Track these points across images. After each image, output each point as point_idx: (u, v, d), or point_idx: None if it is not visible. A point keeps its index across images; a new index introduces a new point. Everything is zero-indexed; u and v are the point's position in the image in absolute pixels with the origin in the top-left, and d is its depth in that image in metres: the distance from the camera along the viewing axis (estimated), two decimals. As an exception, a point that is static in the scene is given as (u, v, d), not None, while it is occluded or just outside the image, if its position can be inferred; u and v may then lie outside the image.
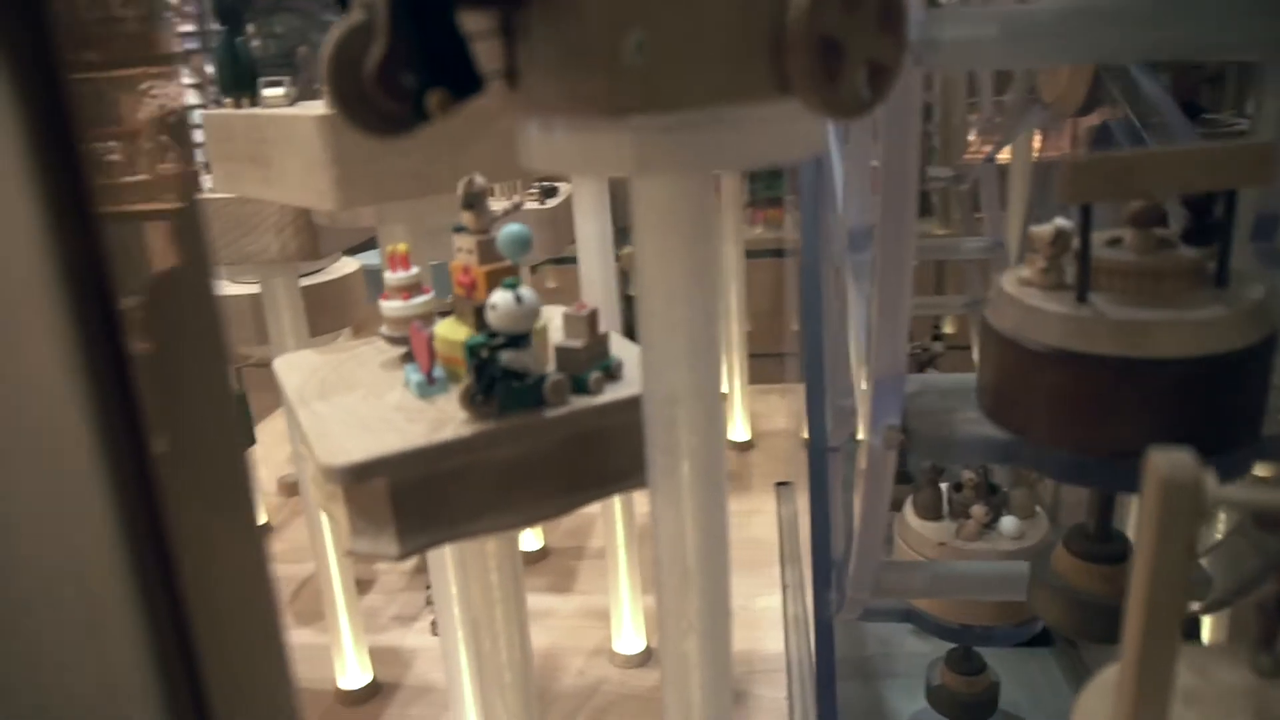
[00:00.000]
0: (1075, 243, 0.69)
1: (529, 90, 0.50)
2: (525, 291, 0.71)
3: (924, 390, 0.85)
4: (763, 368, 2.72)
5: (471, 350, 0.71)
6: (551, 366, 0.75)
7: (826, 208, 1.28)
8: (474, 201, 0.76)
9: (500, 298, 0.70)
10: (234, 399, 0.39)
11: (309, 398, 0.78)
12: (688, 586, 0.68)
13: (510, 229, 0.76)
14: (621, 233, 1.46)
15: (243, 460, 0.37)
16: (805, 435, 2.30)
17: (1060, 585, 0.76)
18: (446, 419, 0.71)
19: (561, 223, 1.65)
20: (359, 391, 0.78)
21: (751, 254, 2.73)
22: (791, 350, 2.64)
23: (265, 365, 1.79)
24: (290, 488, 2.35)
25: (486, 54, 0.50)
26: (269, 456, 2.49)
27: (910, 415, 0.83)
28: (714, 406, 0.64)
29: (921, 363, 1.81)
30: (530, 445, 0.72)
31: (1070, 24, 0.73)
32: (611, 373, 0.76)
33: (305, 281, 1.49)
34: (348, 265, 1.67)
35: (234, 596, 0.37)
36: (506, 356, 0.71)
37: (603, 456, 0.76)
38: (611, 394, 0.74)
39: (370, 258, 2.28)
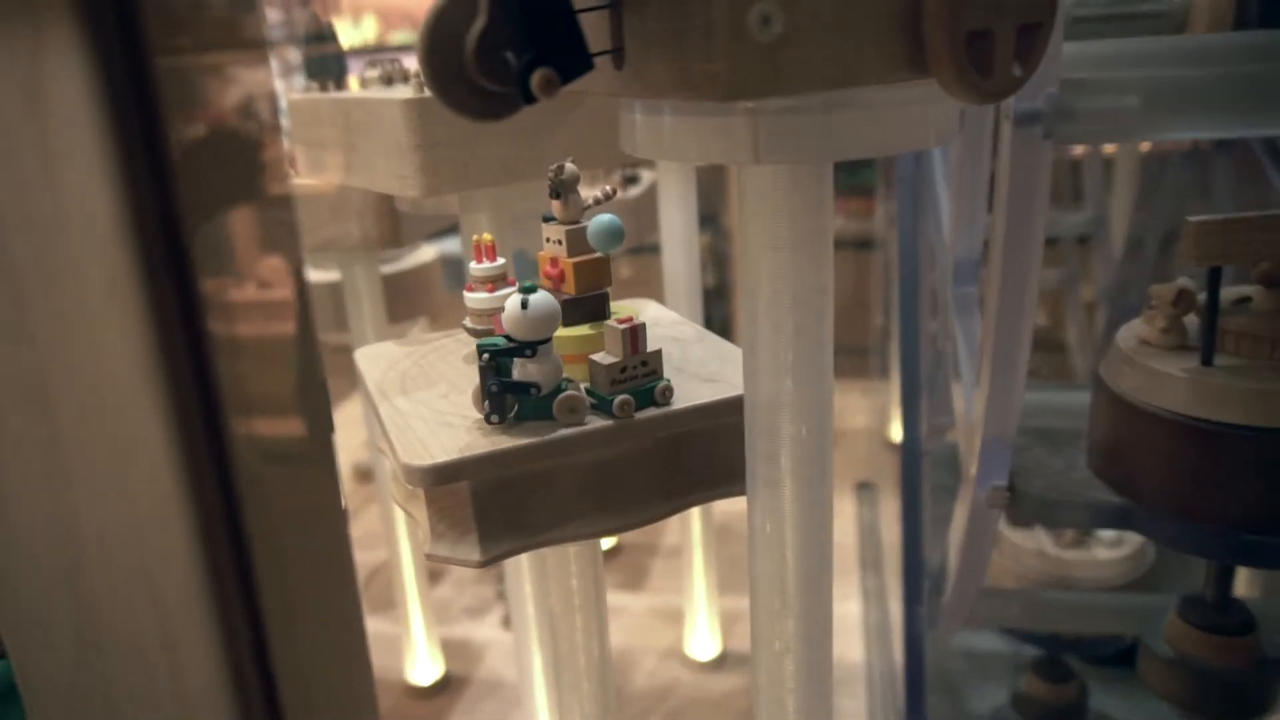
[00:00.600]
0: (1200, 300, 0.66)
1: (637, 70, 0.46)
2: (538, 298, 0.65)
3: (1032, 445, 0.82)
4: (842, 362, 2.64)
5: (479, 352, 0.66)
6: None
7: (927, 205, 1.22)
8: (564, 189, 0.73)
9: (510, 302, 0.66)
10: (325, 386, 0.36)
11: (390, 392, 0.76)
12: (786, 607, 0.64)
13: (602, 219, 0.72)
14: (704, 221, 1.43)
15: (331, 447, 0.35)
16: (892, 437, 2.25)
17: (1175, 657, 0.72)
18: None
19: (644, 212, 1.62)
20: (441, 387, 0.76)
21: (836, 245, 2.66)
22: (874, 345, 2.58)
23: (342, 351, 1.80)
24: (364, 474, 2.37)
25: (593, 31, 0.46)
26: (344, 442, 2.52)
27: (1018, 473, 0.81)
28: (823, 415, 0.60)
29: None
30: (622, 448, 0.69)
31: (1225, 94, 0.67)
32: (655, 399, 0.67)
33: (385, 269, 1.48)
34: (426, 253, 1.66)
35: (316, 587, 0.35)
36: (515, 366, 0.66)
37: (700, 461, 0.73)
38: (709, 395, 0.70)
39: (449, 245, 2.28)
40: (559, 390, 0.67)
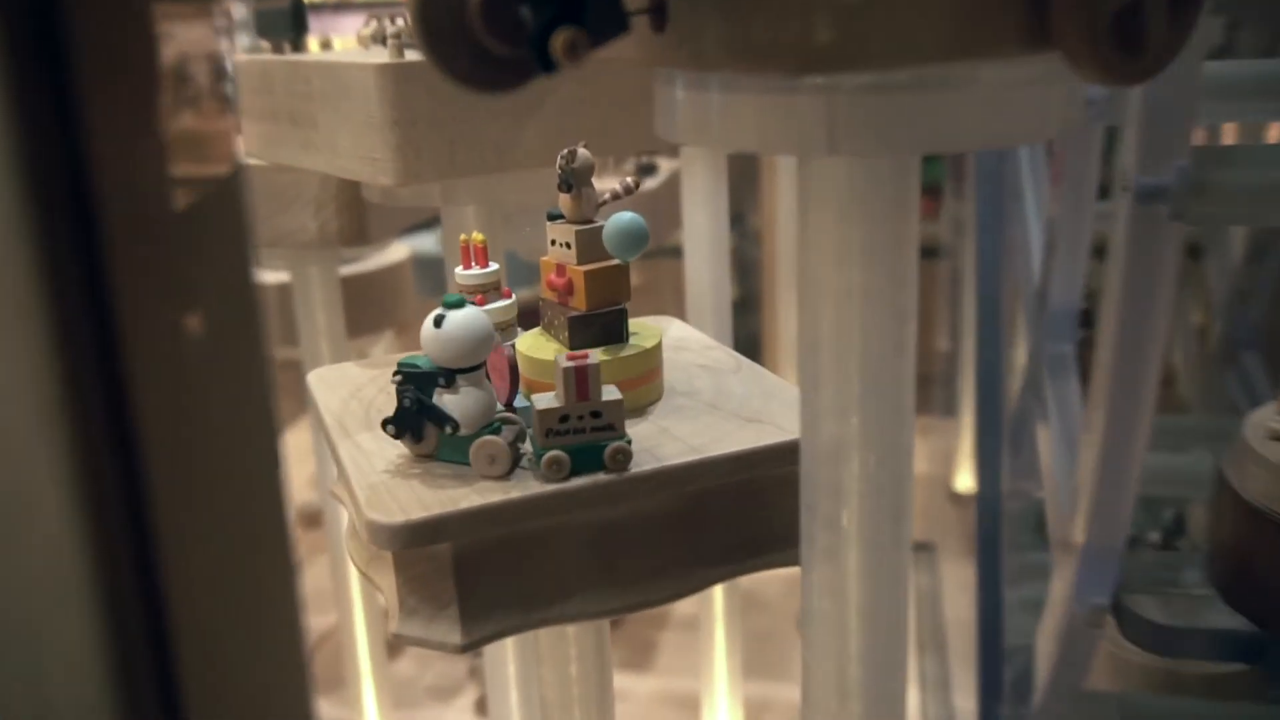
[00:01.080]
0: None
1: (682, 34, 0.44)
2: (459, 316, 0.64)
3: (1140, 552, 0.82)
4: (896, 395, 2.61)
5: (396, 371, 0.65)
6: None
7: (1010, 212, 1.21)
8: (577, 181, 0.71)
9: (428, 319, 0.64)
10: (274, 411, 0.35)
11: (352, 427, 0.74)
12: (846, 711, 0.62)
13: (621, 219, 0.71)
14: (733, 220, 1.41)
15: (280, 481, 0.34)
16: (957, 486, 2.23)
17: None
18: (531, 465, 0.66)
19: (662, 208, 1.60)
20: (417, 422, 0.74)
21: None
22: (938, 375, 2.56)
23: (289, 367, 1.78)
24: (311, 518, 2.35)
25: (626, -17, 0.45)
26: (288, 477, 2.50)
27: (1124, 588, 0.80)
28: (900, 469, 0.58)
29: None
30: (640, 505, 0.67)
31: None
32: (605, 463, 0.63)
33: (345, 270, 1.47)
34: (395, 252, 1.65)
35: (256, 677, 0.34)
36: (435, 396, 0.65)
37: (738, 523, 0.70)
38: (751, 440, 0.68)
39: (422, 241, 2.27)
40: (487, 432, 0.65)
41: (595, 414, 0.64)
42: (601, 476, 0.64)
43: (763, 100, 0.45)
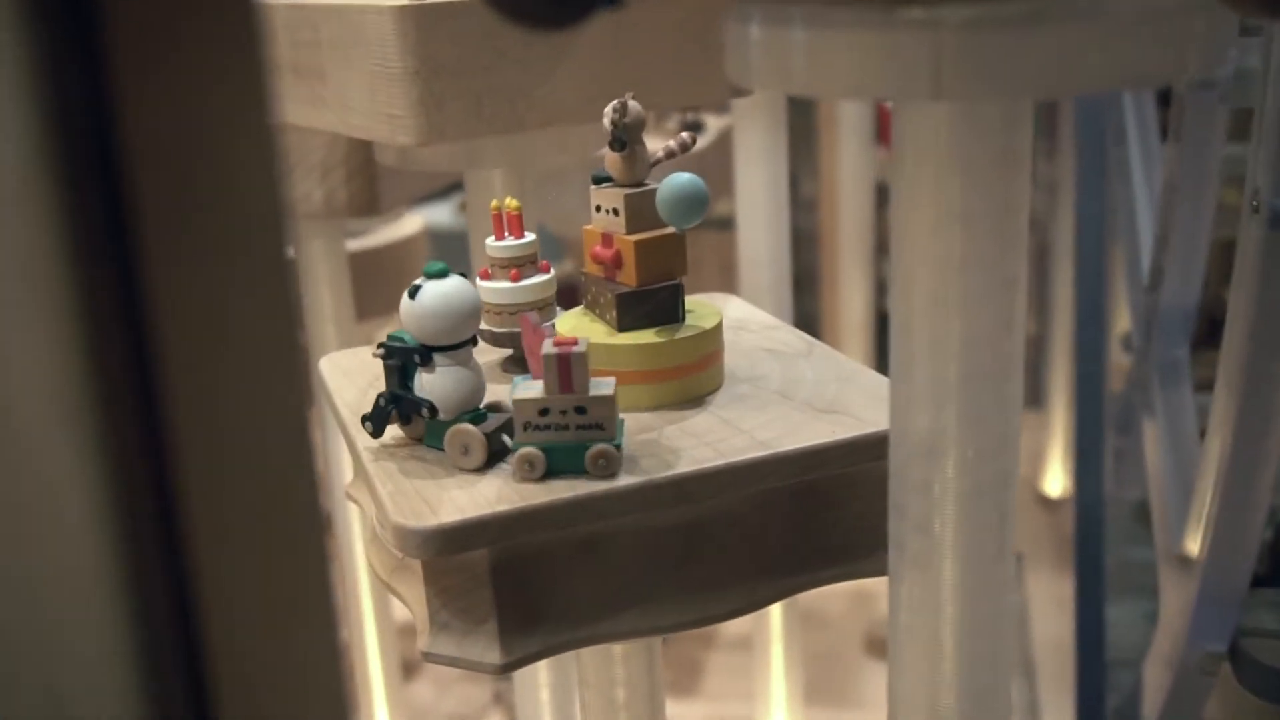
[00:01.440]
0: None
1: (761, -39, 0.44)
2: (437, 287, 0.65)
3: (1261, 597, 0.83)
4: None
5: (380, 344, 0.67)
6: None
7: (1115, 177, 1.19)
8: (630, 138, 0.71)
9: (405, 292, 0.66)
10: (307, 398, 0.35)
11: (372, 419, 0.74)
12: (941, 740, 0.61)
13: (678, 181, 0.70)
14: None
15: (313, 470, 0.34)
16: (1047, 489, 2.21)
17: None
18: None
19: (710, 171, 1.59)
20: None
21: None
22: (1024, 360, 2.54)
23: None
24: (312, 525, 2.37)
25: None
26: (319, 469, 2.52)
27: (1242, 633, 0.81)
28: (1005, 467, 0.57)
29: None
30: (700, 508, 0.67)
31: None
32: (586, 466, 0.63)
33: (352, 244, 1.47)
34: (408, 224, 1.65)
35: (291, 673, 0.34)
36: (418, 375, 0.66)
37: (814, 527, 0.70)
38: (827, 434, 0.67)
39: (437, 213, 2.28)
40: (468, 418, 0.66)
41: (580, 409, 0.64)
42: (658, 475, 0.64)
43: (855, 37, 0.44)
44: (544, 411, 0.64)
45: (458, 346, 0.66)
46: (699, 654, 1.98)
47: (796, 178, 2.83)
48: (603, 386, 0.64)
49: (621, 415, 0.70)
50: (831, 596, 2.02)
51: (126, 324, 0.28)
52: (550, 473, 0.63)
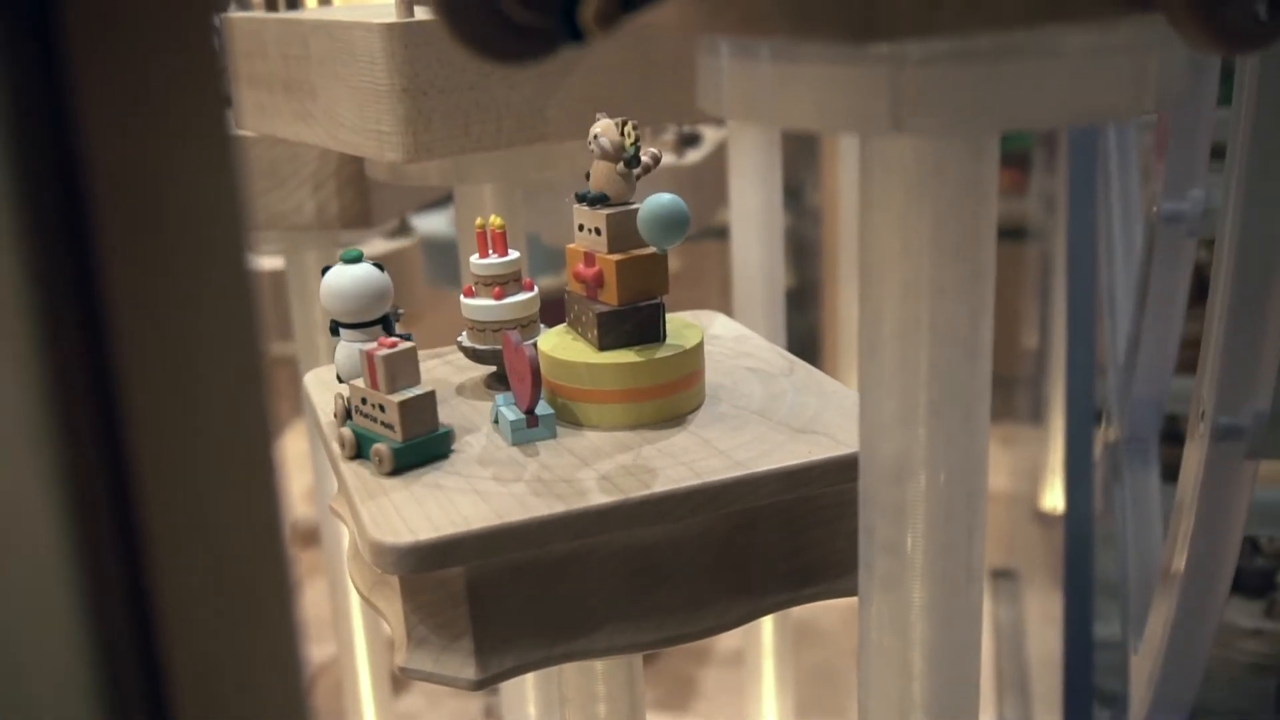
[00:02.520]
0: None
1: (727, -4, 0.45)
2: (349, 270, 0.74)
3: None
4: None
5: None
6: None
7: (1111, 185, 1.20)
8: (619, 158, 0.72)
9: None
10: (269, 420, 0.36)
11: (354, 435, 0.75)
12: (911, 761, 0.62)
13: (659, 201, 0.71)
14: (784, 197, 1.41)
15: (276, 488, 0.35)
16: (1046, 505, 2.21)
17: None
18: (555, 480, 0.67)
19: (706, 184, 1.61)
20: (426, 430, 0.75)
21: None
22: (1024, 377, 2.54)
23: (284, 364, 1.80)
24: (308, 536, 2.37)
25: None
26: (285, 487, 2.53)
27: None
28: (973, 489, 0.58)
29: None
30: (677, 526, 0.68)
31: None
32: (370, 457, 0.70)
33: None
34: (402, 235, 1.66)
35: (253, 689, 0.35)
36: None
37: (789, 547, 0.71)
38: (803, 454, 0.68)
39: (433, 223, 2.29)
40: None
41: (380, 407, 0.71)
42: (635, 495, 0.65)
43: (819, 71, 0.46)
44: (364, 400, 0.72)
45: (363, 325, 0.75)
46: (691, 669, 1.99)
47: (801, 188, 2.85)
48: (414, 391, 0.71)
49: (595, 430, 0.72)
50: (825, 611, 2.03)
51: (87, 340, 0.28)
52: (360, 454, 0.72)
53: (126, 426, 0.29)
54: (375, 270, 0.76)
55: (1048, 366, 2.27)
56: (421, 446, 0.70)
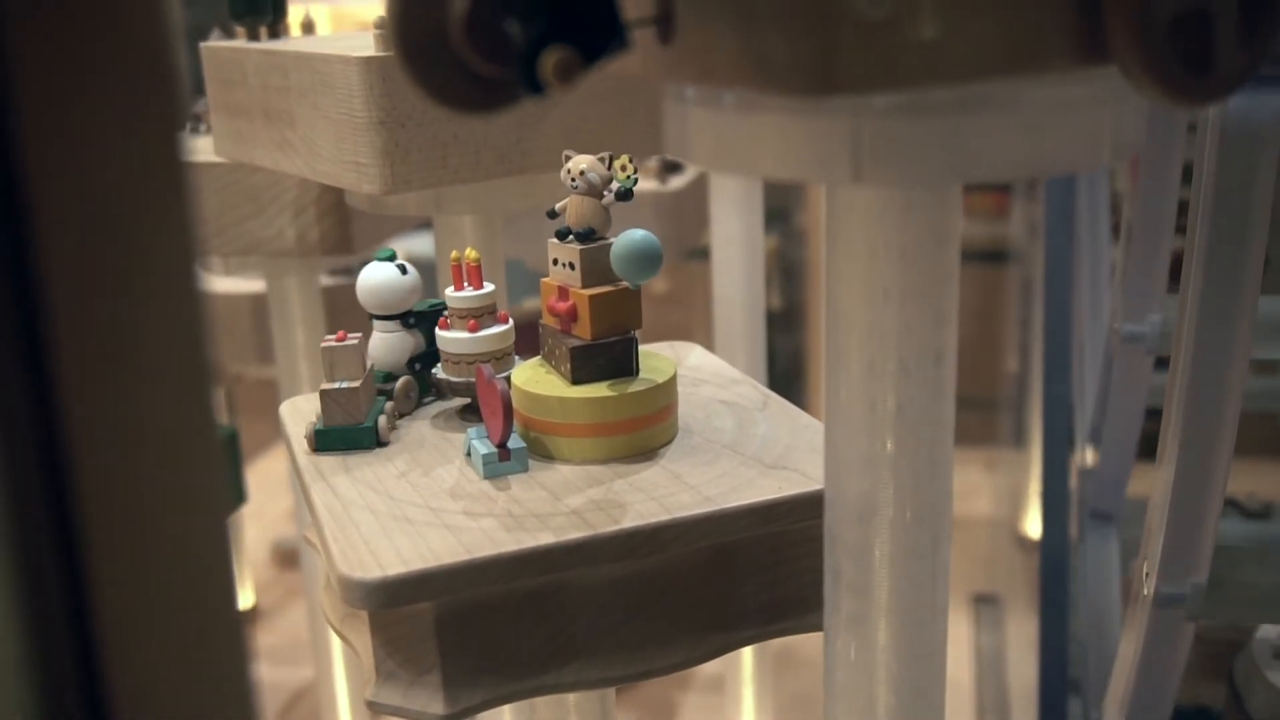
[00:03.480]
0: None
1: (691, 46, 0.46)
2: (372, 266, 0.83)
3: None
4: (961, 422, 2.59)
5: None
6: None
7: (1085, 211, 1.21)
8: (587, 192, 0.73)
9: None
10: (220, 447, 0.35)
11: (326, 468, 0.75)
12: (876, 799, 0.62)
13: (631, 238, 0.72)
14: (770, 219, 1.41)
15: (224, 535, 0.35)
16: (1028, 530, 2.22)
17: None
18: (526, 515, 0.67)
19: (688, 209, 1.61)
20: (398, 463, 0.75)
21: (952, 258, 2.63)
22: (1006, 400, 2.55)
23: (267, 386, 1.80)
24: (288, 557, 2.37)
25: (629, -10, 0.46)
26: (263, 510, 2.52)
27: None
28: (938, 529, 0.58)
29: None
30: (648, 561, 0.68)
31: None
32: (317, 440, 0.77)
33: (327, 280, 1.49)
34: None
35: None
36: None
37: (760, 582, 0.72)
38: (773, 490, 0.69)
39: (416, 244, 2.29)
40: (381, 375, 0.83)
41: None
42: (604, 530, 0.65)
43: (782, 121, 0.46)
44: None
45: (388, 318, 0.84)
46: (671, 694, 1.99)
47: (788, 208, 2.86)
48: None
49: (567, 464, 0.72)
50: (805, 638, 2.03)
51: (26, 360, 0.28)
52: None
53: (68, 452, 0.29)
54: (399, 269, 0.83)
55: (1028, 390, 2.28)
56: (340, 434, 0.77)
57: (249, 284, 1.55)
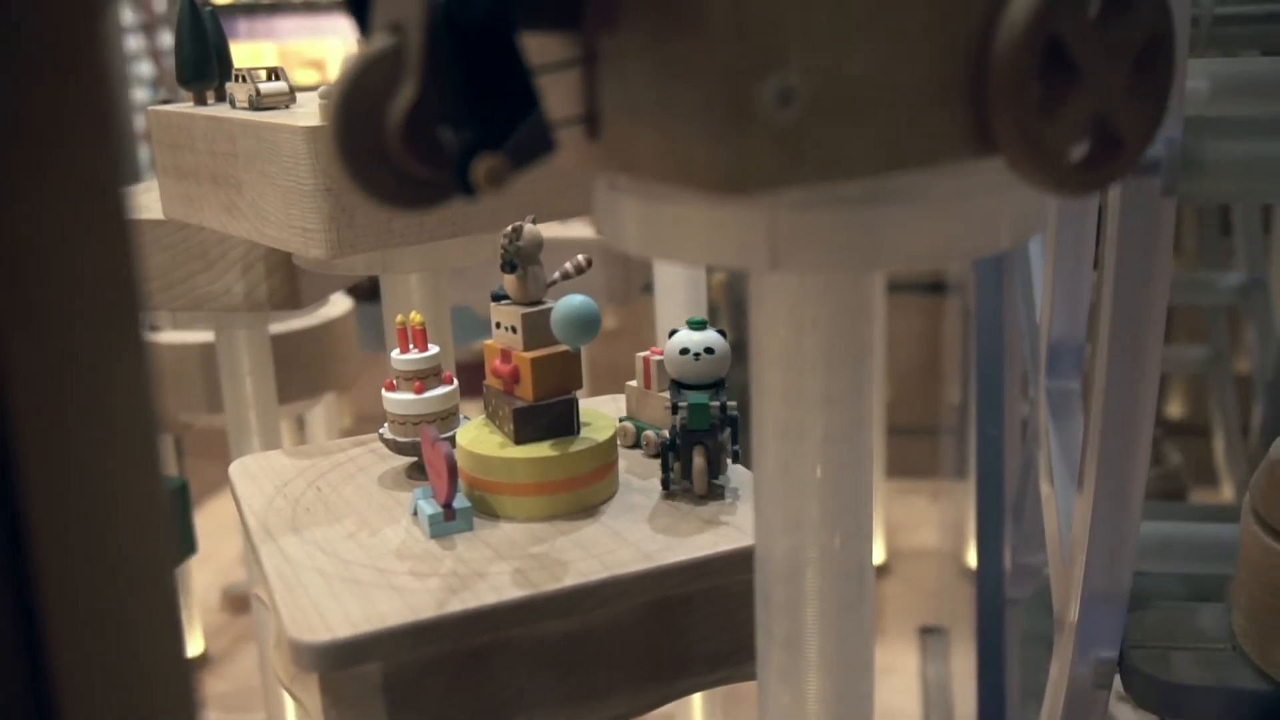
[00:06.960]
0: None
1: (616, 145, 0.49)
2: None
3: (1152, 602, 0.84)
4: (905, 452, 2.65)
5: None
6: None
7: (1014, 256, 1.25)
8: (522, 260, 0.75)
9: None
10: (165, 499, 0.36)
11: (276, 528, 0.77)
12: (810, 844, 0.65)
13: (571, 304, 0.74)
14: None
15: (173, 588, 0.36)
16: (971, 562, 2.25)
17: None
18: (470, 574, 0.69)
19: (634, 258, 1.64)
20: (347, 523, 0.77)
21: (896, 288, 2.67)
22: (948, 428, 2.59)
23: (216, 433, 1.80)
24: (238, 602, 2.36)
25: (558, 90, 0.49)
26: (214, 554, 2.52)
27: (1131, 641, 0.83)
28: (864, 586, 0.61)
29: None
30: (591, 617, 0.70)
31: None
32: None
33: (276, 328, 1.50)
34: (335, 305, 1.68)
35: None
36: None
37: (701, 633, 0.74)
38: (709, 545, 0.72)
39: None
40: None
41: None
42: (546, 589, 0.68)
43: (703, 212, 0.49)
44: None
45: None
46: (625, 731, 1.99)
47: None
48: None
49: (511, 522, 0.75)
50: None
51: None
52: None
53: (19, 505, 0.30)
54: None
55: (969, 421, 2.32)
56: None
57: (197, 334, 1.56)
